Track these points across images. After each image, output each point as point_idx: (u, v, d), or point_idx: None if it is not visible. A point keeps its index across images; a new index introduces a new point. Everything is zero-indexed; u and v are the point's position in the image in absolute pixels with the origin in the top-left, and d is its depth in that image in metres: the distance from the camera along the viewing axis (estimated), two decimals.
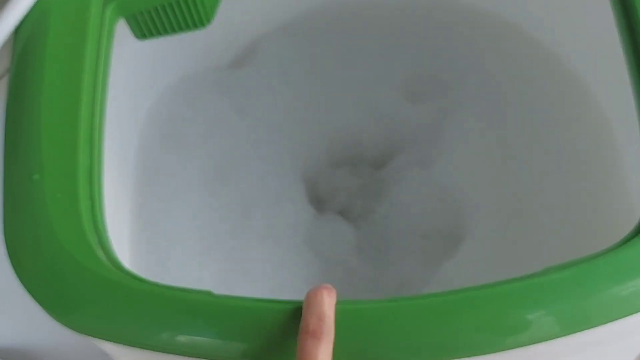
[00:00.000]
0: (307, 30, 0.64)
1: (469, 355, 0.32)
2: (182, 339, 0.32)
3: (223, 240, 0.56)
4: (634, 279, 0.32)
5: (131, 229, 0.52)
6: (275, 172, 0.60)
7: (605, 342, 0.35)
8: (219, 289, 0.33)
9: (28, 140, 0.37)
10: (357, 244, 0.59)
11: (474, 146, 0.59)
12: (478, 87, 0.62)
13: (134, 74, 0.53)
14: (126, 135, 0.54)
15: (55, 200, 0.35)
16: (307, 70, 0.64)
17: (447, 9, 0.63)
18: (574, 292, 0.32)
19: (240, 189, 0.58)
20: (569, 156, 0.56)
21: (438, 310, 0.32)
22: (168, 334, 0.32)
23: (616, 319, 0.32)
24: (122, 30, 0.43)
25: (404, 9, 0.64)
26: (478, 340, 0.31)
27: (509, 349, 0.32)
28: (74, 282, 0.34)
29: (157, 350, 0.33)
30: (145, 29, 0.44)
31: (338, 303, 0.32)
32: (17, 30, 0.41)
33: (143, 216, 0.54)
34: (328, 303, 0.31)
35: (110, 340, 0.34)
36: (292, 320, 0.31)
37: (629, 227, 0.35)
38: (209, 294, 0.33)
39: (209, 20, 0.46)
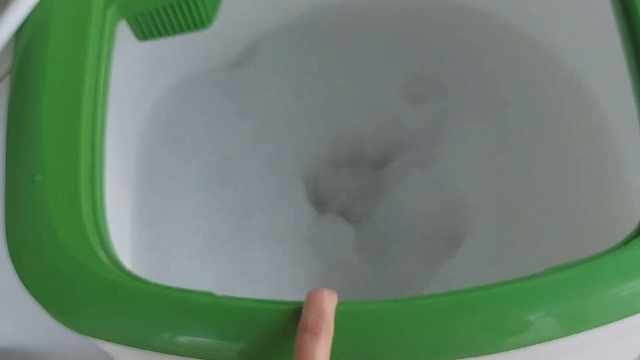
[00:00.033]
0: (307, 32, 0.64)
1: (470, 356, 0.32)
2: (184, 339, 0.32)
3: (223, 240, 0.56)
4: (634, 280, 0.32)
5: (132, 228, 0.52)
6: (276, 173, 0.60)
7: (605, 342, 0.35)
8: (219, 289, 0.33)
9: (30, 141, 0.37)
10: (357, 245, 0.59)
11: (474, 147, 0.59)
12: (478, 88, 0.62)
13: (135, 75, 0.53)
14: (127, 136, 0.54)
15: (57, 201, 0.35)
16: (308, 71, 0.64)
17: (447, 10, 0.63)
18: (574, 293, 0.32)
19: (240, 190, 0.59)
20: (569, 157, 0.56)
21: (438, 311, 0.32)
22: (169, 334, 0.33)
23: (616, 320, 0.32)
24: (123, 31, 0.43)
25: (404, 11, 0.64)
26: (478, 340, 0.32)
27: (510, 349, 0.32)
28: (76, 282, 0.34)
29: (158, 351, 0.33)
30: (146, 30, 0.44)
31: (339, 304, 0.32)
32: (19, 31, 0.41)
33: (144, 216, 0.54)
34: (328, 301, 0.31)
35: (111, 341, 0.34)
36: (293, 320, 0.31)
37: (629, 228, 0.35)
38: (210, 294, 0.33)
39: (210, 22, 0.46)
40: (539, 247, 0.53)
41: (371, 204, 0.61)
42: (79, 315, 0.34)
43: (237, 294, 0.33)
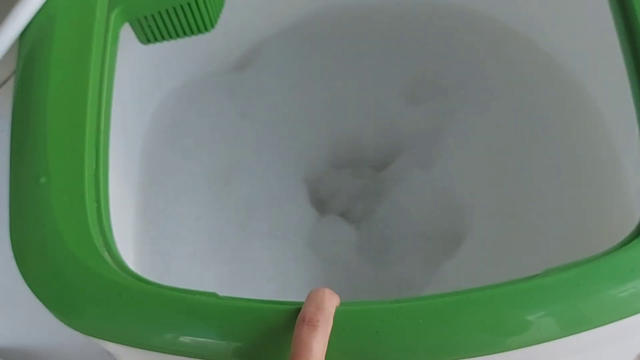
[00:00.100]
0: (308, 35, 0.65)
1: (470, 356, 0.32)
2: (187, 340, 0.32)
3: (226, 241, 0.56)
4: (633, 280, 0.32)
5: (136, 229, 0.52)
6: (278, 174, 0.60)
7: (604, 342, 0.35)
8: (221, 290, 0.34)
9: (34, 143, 0.37)
10: (358, 245, 0.59)
11: (473, 148, 0.59)
12: (478, 91, 0.62)
13: (139, 78, 0.54)
14: (131, 138, 0.54)
15: (61, 202, 0.36)
16: (309, 74, 0.64)
17: (448, 13, 0.63)
18: (574, 294, 0.32)
19: (243, 191, 0.59)
20: (568, 159, 0.56)
21: (439, 311, 0.32)
22: (173, 335, 0.33)
23: (616, 320, 0.32)
24: (126, 34, 0.44)
25: (404, 14, 0.64)
26: (478, 340, 0.32)
27: (509, 349, 0.32)
28: (80, 283, 0.34)
29: (161, 351, 0.33)
30: (149, 33, 0.45)
31: (339, 305, 0.32)
32: (23, 34, 0.41)
33: (147, 217, 0.54)
34: (329, 298, 0.31)
35: (115, 341, 0.34)
36: (294, 321, 0.31)
37: (628, 230, 0.35)
38: (213, 295, 0.33)
39: (212, 25, 0.46)
40: (538, 248, 0.53)
41: (372, 205, 0.62)
42: (84, 316, 0.34)
43: (239, 295, 0.33)
